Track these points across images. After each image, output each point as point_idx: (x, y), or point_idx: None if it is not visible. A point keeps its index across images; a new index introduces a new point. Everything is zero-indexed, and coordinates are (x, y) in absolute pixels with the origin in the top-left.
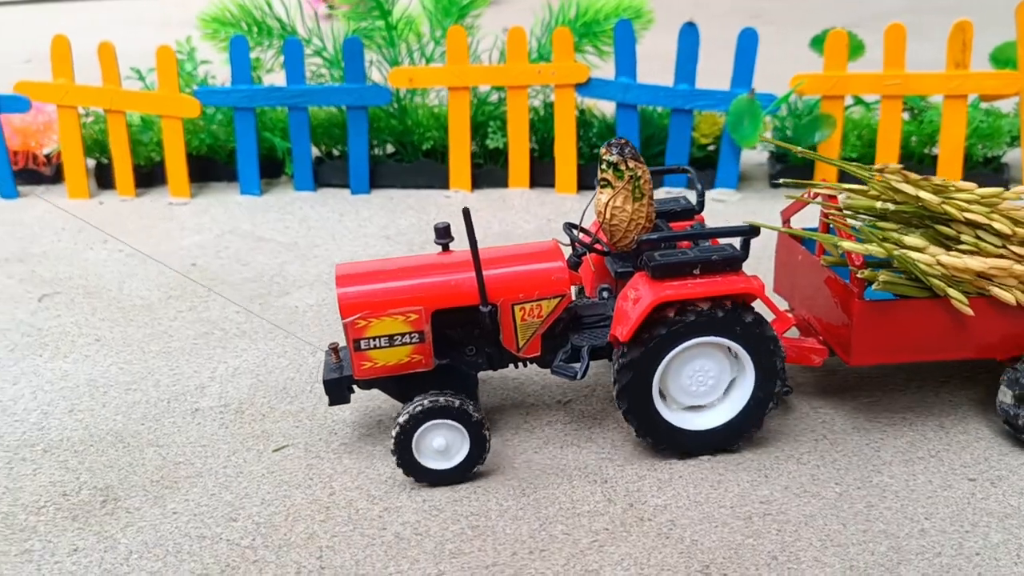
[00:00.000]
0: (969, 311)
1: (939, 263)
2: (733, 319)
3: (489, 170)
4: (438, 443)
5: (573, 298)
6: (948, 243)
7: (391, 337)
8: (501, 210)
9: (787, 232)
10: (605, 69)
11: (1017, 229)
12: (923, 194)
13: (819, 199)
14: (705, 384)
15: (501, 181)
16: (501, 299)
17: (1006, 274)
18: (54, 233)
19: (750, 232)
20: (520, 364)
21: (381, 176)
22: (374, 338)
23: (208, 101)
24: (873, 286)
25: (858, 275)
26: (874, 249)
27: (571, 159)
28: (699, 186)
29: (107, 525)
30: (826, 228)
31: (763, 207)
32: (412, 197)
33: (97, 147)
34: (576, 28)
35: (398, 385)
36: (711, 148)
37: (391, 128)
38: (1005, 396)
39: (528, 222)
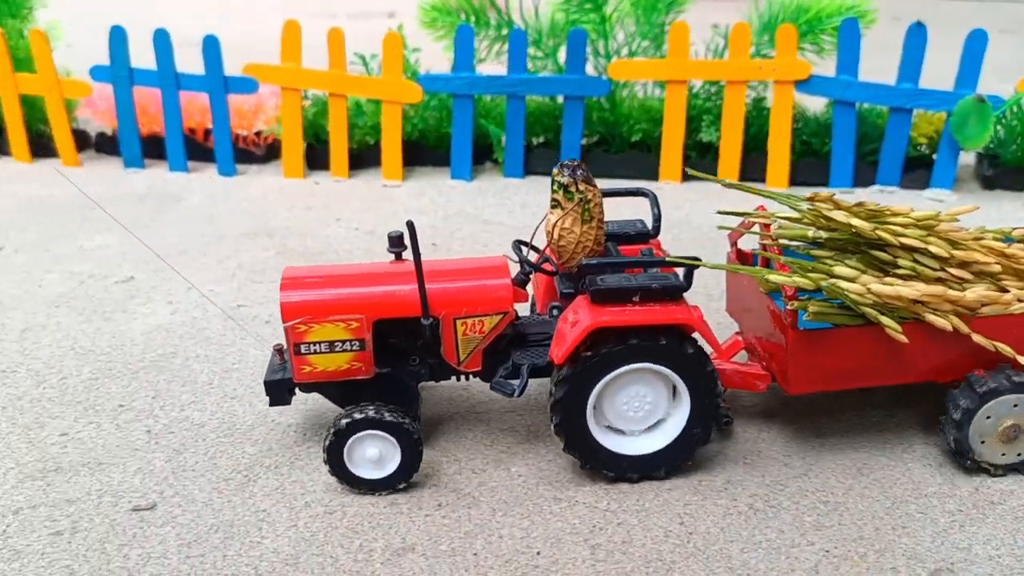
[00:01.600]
0: (903, 339)
1: (871, 292)
2: (672, 349)
3: (697, 163)
4: (371, 453)
5: (516, 316)
6: (886, 268)
7: (331, 343)
8: (716, 203)
9: (715, 266)
10: (821, 67)
11: (955, 252)
12: (855, 221)
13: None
14: (641, 410)
15: (710, 174)
16: (443, 312)
17: (940, 300)
18: (286, 210)
19: (692, 265)
20: (464, 377)
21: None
22: (314, 343)
23: (430, 88)
24: (804, 316)
25: (788, 306)
26: (800, 281)
27: (784, 155)
28: (656, 210)
29: (460, 484)
30: (764, 260)
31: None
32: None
33: (311, 129)
34: (797, 26)
35: (339, 391)
36: (923, 148)
37: (601, 119)
38: (946, 420)
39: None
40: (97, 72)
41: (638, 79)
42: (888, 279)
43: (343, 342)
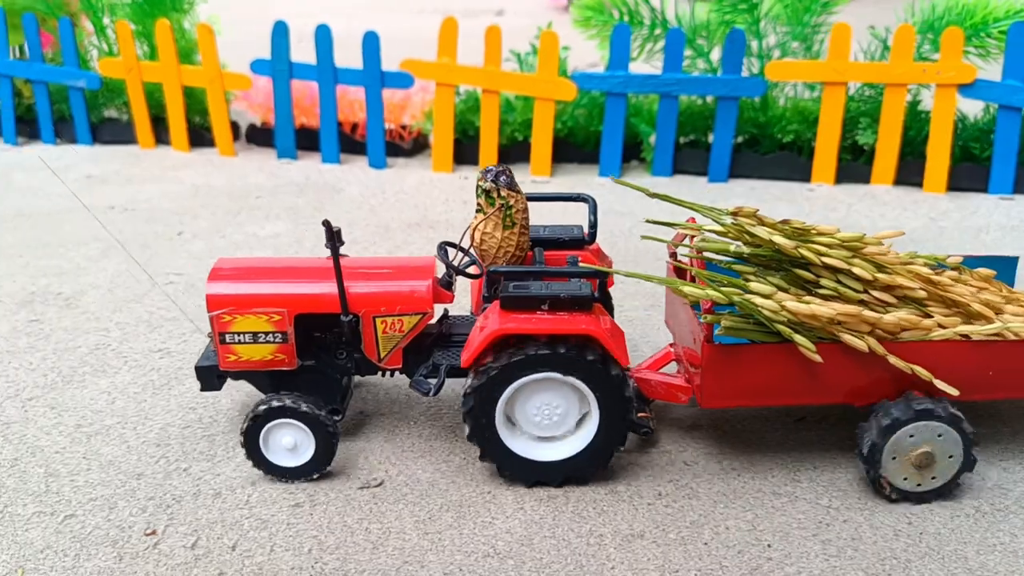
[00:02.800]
0: (817, 358)
1: (785, 309)
2: (576, 358)
3: (850, 165)
4: (286, 441)
5: (446, 315)
6: (809, 287)
7: (255, 334)
8: (872, 206)
9: (627, 274)
10: (984, 71)
11: (879, 275)
12: (777, 238)
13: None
14: (551, 418)
15: (861, 176)
16: (363, 310)
17: (857, 320)
18: (442, 203)
19: (596, 275)
20: (388, 373)
21: (737, 166)
22: (239, 333)
23: (585, 85)
24: (716, 330)
25: (702, 319)
26: (713, 295)
27: (944, 160)
28: (592, 217)
29: (676, 475)
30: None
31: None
32: (775, 188)
33: (459, 125)
34: (963, 28)
35: (267, 380)
36: None
37: (751, 119)
38: (860, 444)
39: (905, 220)
40: (258, 66)
41: (795, 80)
42: (807, 298)
43: (266, 334)
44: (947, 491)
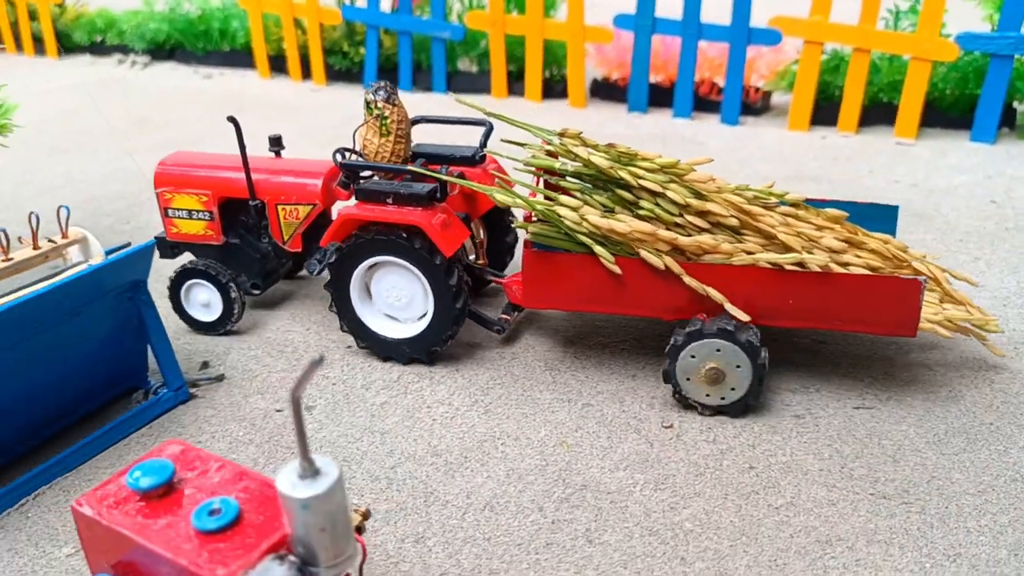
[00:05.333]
0: (615, 268)
1: (587, 221)
2: (405, 244)
3: None
4: (202, 298)
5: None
6: (631, 207)
7: (190, 211)
8: None
9: (453, 180)
10: None
11: (692, 200)
12: (595, 158)
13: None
14: (400, 300)
15: None
16: (268, 198)
17: (654, 239)
18: (812, 159)
19: (432, 178)
20: (290, 261)
21: None
22: (177, 209)
23: (970, 46)
24: (524, 235)
25: (514, 224)
26: (519, 202)
27: None
28: (484, 139)
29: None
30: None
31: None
32: None
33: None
34: None
35: (203, 252)
36: None
37: None
38: (665, 361)
39: None
40: (621, 20)
41: None
42: (618, 215)
43: (198, 212)
44: (743, 407)
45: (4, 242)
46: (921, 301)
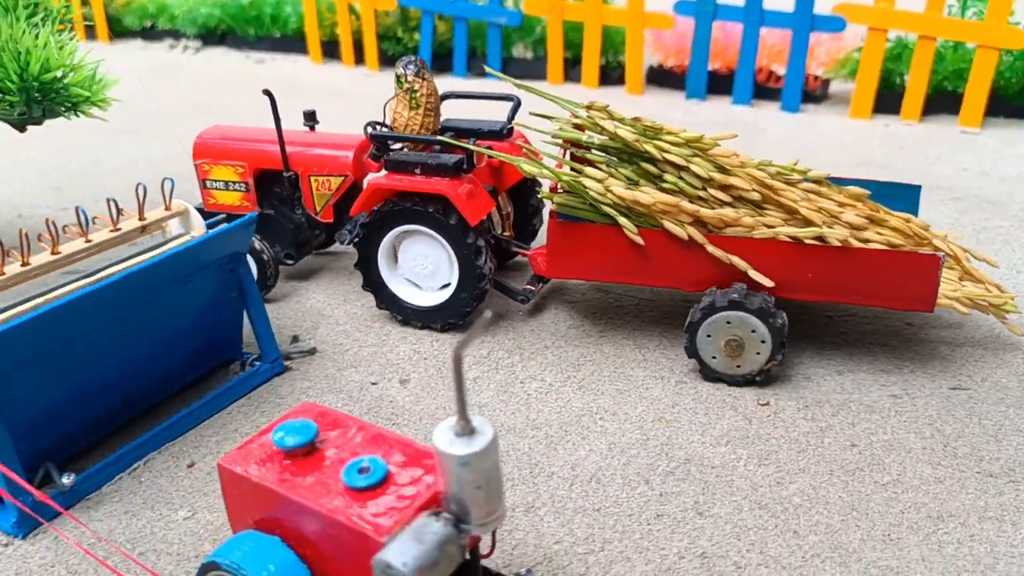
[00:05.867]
0: (638, 239)
1: (611, 192)
2: (431, 213)
3: None
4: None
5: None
6: (655, 181)
7: (227, 183)
8: None
9: (481, 151)
10: None
11: (715, 174)
12: (621, 131)
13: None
14: (426, 268)
15: None
16: (301, 170)
17: (677, 210)
18: (878, 147)
19: (462, 149)
20: (323, 233)
21: None
22: (215, 181)
23: None
24: (550, 205)
25: (540, 194)
26: (546, 173)
27: None
28: (512, 113)
29: None
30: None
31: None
32: None
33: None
34: None
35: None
36: None
37: None
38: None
39: None
40: (682, 7)
41: None
42: (643, 187)
43: (235, 183)
44: (758, 378)
45: (113, 214)
46: (939, 277)
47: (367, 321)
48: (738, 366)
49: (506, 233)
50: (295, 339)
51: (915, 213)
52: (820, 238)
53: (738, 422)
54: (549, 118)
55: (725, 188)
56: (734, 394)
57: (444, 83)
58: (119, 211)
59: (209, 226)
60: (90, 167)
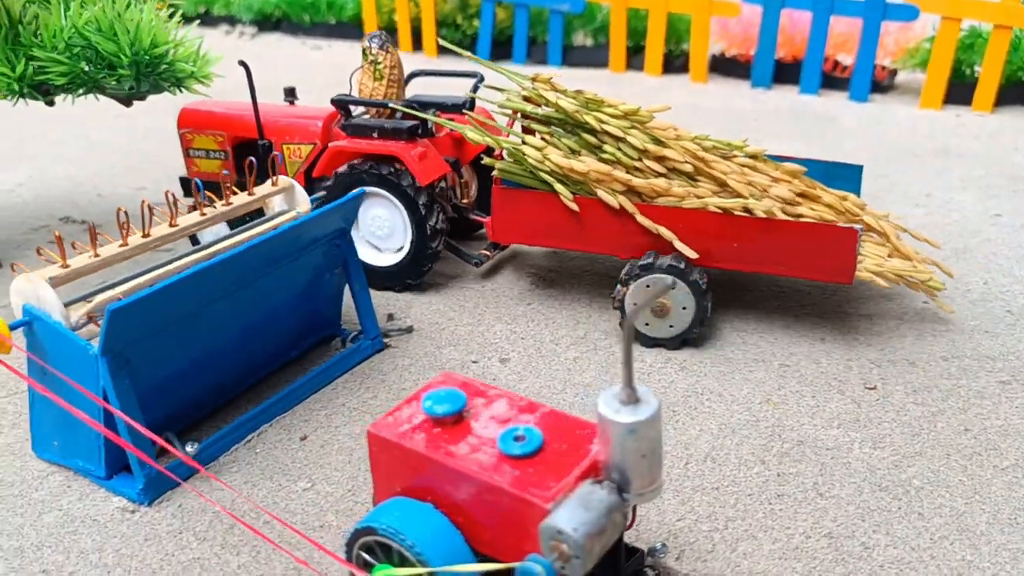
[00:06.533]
0: (572, 205)
1: (549, 160)
2: (391, 179)
3: None
4: (215, 230)
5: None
6: (595, 151)
7: (207, 151)
8: None
9: (436, 120)
10: None
11: (650, 146)
12: (562, 102)
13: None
14: (382, 230)
15: None
16: (275, 138)
17: (610, 179)
18: (955, 137)
19: (420, 120)
20: None
21: None
22: (197, 149)
23: None
24: (493, 173)
25: (484, 160)
26: (487, 140)
27: None
28: (473, 88)
29: None
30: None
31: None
32: None
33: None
34: None
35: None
36: None
37: None
38: (616, 294)
39: None
40: None
41: None
42: (580, 157)
43: (215, 151)
44: (693, 332)
45: (230, 188)
46: (856, 249)
47: (459, 301)
48: (671, 327)
49: (464, 201)
50: (390, 317)
51: (857, 192)
52: (747, 210)
53: (846, 405)
54: (501, 90)
55: (660, 159)
56: (839, 378)
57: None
58: (229, 188)
59: (313, 202)
60: (161, 148)
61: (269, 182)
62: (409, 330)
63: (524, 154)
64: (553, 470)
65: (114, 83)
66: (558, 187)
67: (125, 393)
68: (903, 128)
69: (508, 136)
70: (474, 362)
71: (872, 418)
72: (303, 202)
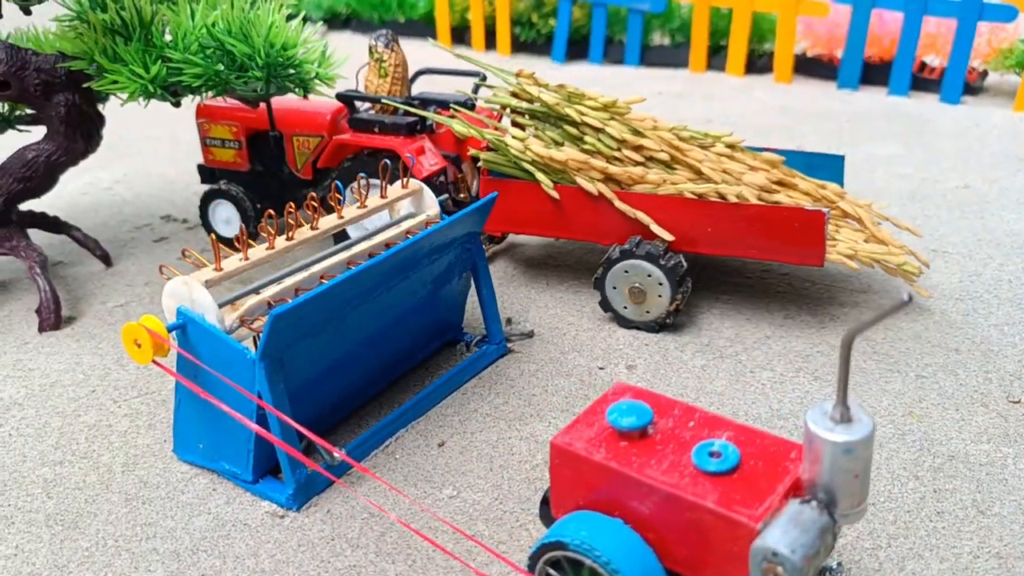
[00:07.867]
0: (553, 193)
1: (530, 151)
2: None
3: None
4: (224, 215)
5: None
6: (577, 142)
7: (223, 140)
8: None
9: (431, 117)
10: None
11: (628, 136)
12: (544, 96)
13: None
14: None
15: None
16: (285, 130)
17: (588, 167)
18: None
19: (419, 117)
20: (306, 189)
21: None
22: (214, 138)
23: None
24: (479, 163)
25: (470, 152)
26: (472, 132)
27: None
28: (475, 89)
29: None
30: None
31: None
32: None
33: None
34: None
35: (233, 177)
36: None
37: None
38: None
39: None
40: None
41: None
42: (564, 148)
43: (229, 141)
44: (668, 320)
45: (364, 189)
46: (824, 232)
47: (577, 305)
48: (647, 312)
49: (462, 195)
50: (509, 321)
51: (840, 182)
52: (721, 196)
53: (993, 419)
54: (490, 87)
55: (638, 149)
56: (980, 391)
57: (577, 71)
58: (368, 187)
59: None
60: None
61: (399, 184)
62: (530, 335)
63: (506, 145)
64: (755, 488)
65: (243, 84)
66: (539, 176)
67: (280, 397)
68: (1002, 131)
69: (495, 129)
70: (601, 368)
71: (1023, 433)
72: (431, 205)
